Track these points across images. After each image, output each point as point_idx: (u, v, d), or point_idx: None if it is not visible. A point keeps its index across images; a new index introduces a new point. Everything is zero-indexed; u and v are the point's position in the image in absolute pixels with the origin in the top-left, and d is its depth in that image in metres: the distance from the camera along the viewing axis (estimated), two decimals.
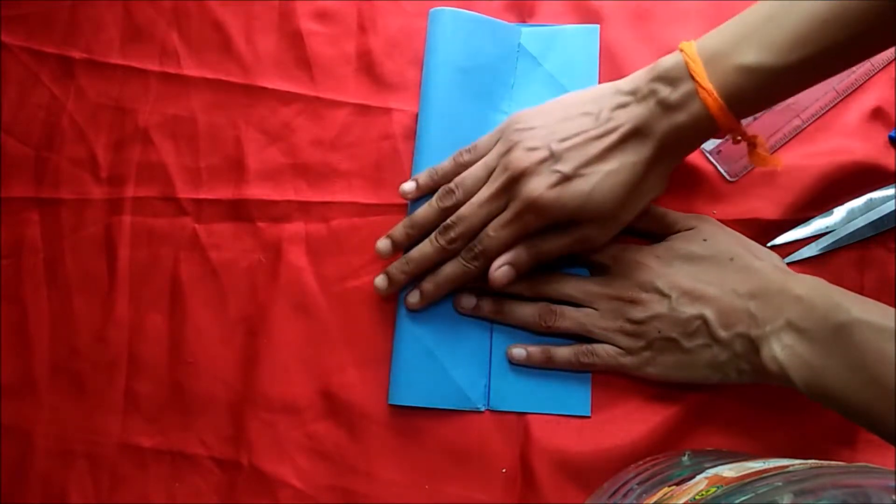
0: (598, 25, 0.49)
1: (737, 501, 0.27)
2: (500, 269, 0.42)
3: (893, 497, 0.25)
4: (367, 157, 0.49)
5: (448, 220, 0.43)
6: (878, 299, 0.37)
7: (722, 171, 0.47)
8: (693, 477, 0.33)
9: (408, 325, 0.46)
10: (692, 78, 0.38)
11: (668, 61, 0.39)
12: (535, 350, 0.44)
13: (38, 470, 0.48)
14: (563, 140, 0.40)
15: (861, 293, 0.38)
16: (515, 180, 0.41)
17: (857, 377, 0.35)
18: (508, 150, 0.42)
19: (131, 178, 0.51)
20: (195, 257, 0.49)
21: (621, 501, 0.37)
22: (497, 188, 0.42)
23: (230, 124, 0.51)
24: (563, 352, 0.44)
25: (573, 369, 0.44)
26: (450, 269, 0.44)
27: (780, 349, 0.37)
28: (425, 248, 0.44)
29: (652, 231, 0.45)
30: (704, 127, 0.38)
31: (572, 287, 0.43)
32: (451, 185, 0.44)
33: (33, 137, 0.52)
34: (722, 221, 0.44)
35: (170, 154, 0.51)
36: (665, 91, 0.39)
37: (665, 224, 0.44)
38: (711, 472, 0.33)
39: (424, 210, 0.44)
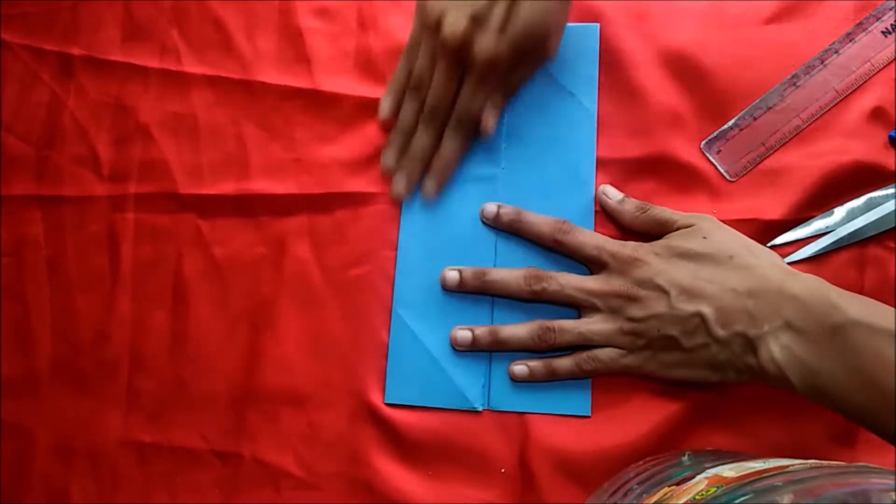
0: (598, 25, 0.49)
1: (737, 501, 0.27)
2: (488, 119, 0.46)
3: (893, 497, 0.25)
4: (368, 150, 0.49)
5: (424, 112, 0.46)
6: (878, 299, 0.37)
7: (722, 171, 0.47)
8: (693, 477, 0.33)
9: (405, 323, 0.46)
10: None
11: None
12: (536, 365, 0.44)
13: (40, 467, 0.48)
14: None
15: (861, 293, 0.38)
16: (461, 50, 0.43)
17: (854, 379, 0.35)
18: (438, 27, 0.43)
19: (133, 175, 0.51)
20: (198, 253, 0.49)
21: (621, 501, 0.37)
22: (449, 63, 0.44)
23: (231, 121, 0.51)
24: (565, 362, 0.43)
25: (576, 377, 0.44)
26: (447, 145, 0.47)
27: (778, 350, 0.37)
28: (418, 139, 0.47)
29: (651, 230, 0.45)
30: None
31: (571, 288, 0.43)
32: (412, 83, 0.46)
33: (34, 135, 0.52)
34: (722, 221, 0.44)
35: (171, 151, 0.51)
36: None
37: (664, 223, 0.44)
38: (711, 472, 0.33)
39: (402, 114, 0.47)
